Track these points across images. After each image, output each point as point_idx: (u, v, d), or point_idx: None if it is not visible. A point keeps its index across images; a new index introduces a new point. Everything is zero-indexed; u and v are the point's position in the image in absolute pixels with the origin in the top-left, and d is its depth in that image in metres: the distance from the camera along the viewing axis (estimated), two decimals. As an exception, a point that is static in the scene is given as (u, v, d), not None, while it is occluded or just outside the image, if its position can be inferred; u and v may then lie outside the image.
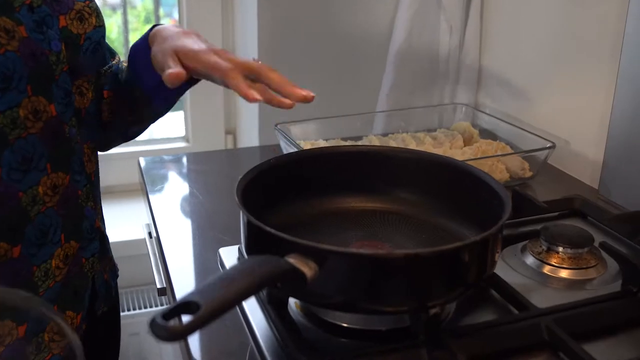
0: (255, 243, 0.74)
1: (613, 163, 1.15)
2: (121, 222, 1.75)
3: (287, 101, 0.80)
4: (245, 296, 0.56)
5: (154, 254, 1.11)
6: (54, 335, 0.88)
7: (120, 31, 2.00)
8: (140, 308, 1.86)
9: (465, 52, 1.56)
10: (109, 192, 1.83)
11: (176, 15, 1.94)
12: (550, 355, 0.74)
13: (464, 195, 0.87)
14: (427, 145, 1.28)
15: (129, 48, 0.94)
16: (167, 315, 0.51)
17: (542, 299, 0.82)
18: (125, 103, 0.99)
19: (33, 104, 0.80)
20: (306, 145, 1.23)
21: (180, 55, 0.83)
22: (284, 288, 0.68)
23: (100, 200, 1.01)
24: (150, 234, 1.16)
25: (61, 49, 0.84)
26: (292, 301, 0.80)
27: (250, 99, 0.77)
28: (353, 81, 1.66)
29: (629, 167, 1.12)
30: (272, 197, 0.86)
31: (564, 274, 0.90)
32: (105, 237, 1.01)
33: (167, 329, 0.50)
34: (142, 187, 1.25)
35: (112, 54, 1.01)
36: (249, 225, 0.72)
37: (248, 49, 1.70)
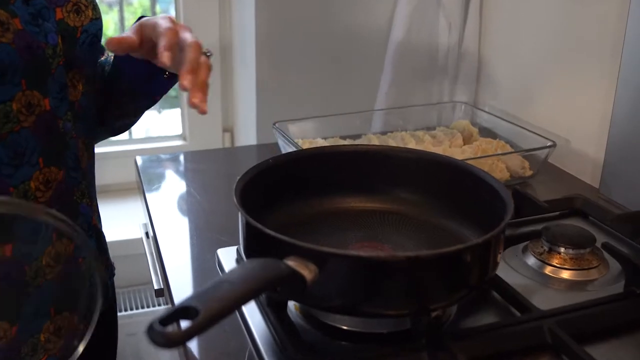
0: (254, 245, 0.73)
1: (614, 162, 1.15)
2: (118, 221, 1.74)
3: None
4: (245, 301, 0.55)
5: (151, 254, 1.09)
6: (49, 335, 0.87)
7: (117, 28, 1.98)
8: (137, 308, 1.85)
9: (464, 49, 1.56)
10: (105, 191, 1.81)
11: (173, 12, 1.93)
12: (553, 358, 0.73)
13: (464, 195, 0.87)
14: (426, 143, 1.27)
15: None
16: (165, 321, 0.50)
17: (543, 301, 0.81)
18: (110, 97, 0.98)
19: (27, 97, 0.79)
20: (304, 144, 1.22)
21: (143, 27, 0.83)
22: (284, 291, 0.67)
23: (96, 197, 1.00)
24: (147, 233, 1.15)
25: (58, 42, 0.83)
26: (292, 303, 0.79)
27: (162, 60, 0.76)
28: (351, 79, 1.65)
29: (630, 166, 1.11)
30: (270, 197, 0.85)
31: (565, 274, 0.90)
32: (102, 235, 1.00)
33: (165, 335, 0.49)
34: (139, 186, 1.23)
35: (101, 50, 1.01)
36: (248, 227, 0.71)
37: (245, 46, 1.69)
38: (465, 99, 1.56)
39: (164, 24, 0.80)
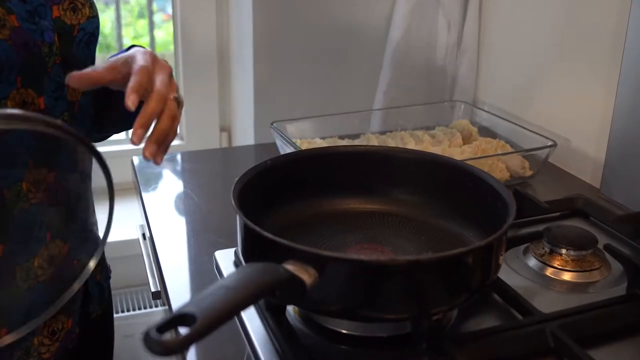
0: (253, 248, 0.72)
1: (615, 161, 1.14)
2: (115, 222, 1.72)
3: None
4: (243, 307, 0.54)
5: (148, 256, 1.08)
6: (43, 338, 0.86)
7: (114, 26, 1.97)
8: (134, 309, 1.83)
9: (463, 48, 1.55)
10: (101, 192, 1.79)
11: (170, 10, 1.92)
12: (556, 362, 0.72)
13: (465, 196, 0.86)
14: (425, 143, 1.26)
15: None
16: (162, 328, 0.49)
17: (545, 303, 0.80)
18: (99, 102, 0.97)
19: (22, 96, 0.78)
20: (303, 144, 1.21)
21: (118, 63, 0.79)
22: (282, 296, 0.66)
23: (92, 199, 0.99)
24: (144, 235, 1.14)
25: (54, 40, 0.82)
26: (291, 307, 0.78)
27: (126, 104, 0.73)
28: (350, 79, 1.64)
29: (631, 166, 1.10)
30: (269, 199, 0.84)
31: (567, 276, 0.89)
32: (97, 237, 0.99)
33: (161, 343, 0.48)
34: (136, 187, 1.22)
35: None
36: (246, 230, 0.70)
37: (243, 46, 1.68)
38: (465, 98, 1.55)
39: (139, 61, 0.77)
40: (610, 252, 0.88)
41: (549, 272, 0.89)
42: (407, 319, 0.71)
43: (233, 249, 0.91)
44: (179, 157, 1.38)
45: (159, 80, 0.76)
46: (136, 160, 1.30)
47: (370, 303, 0.65)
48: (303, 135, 1.26)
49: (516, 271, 0.90)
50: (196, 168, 1.32)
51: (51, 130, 0.64)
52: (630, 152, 1.10)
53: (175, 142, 2.00)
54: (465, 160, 1.09)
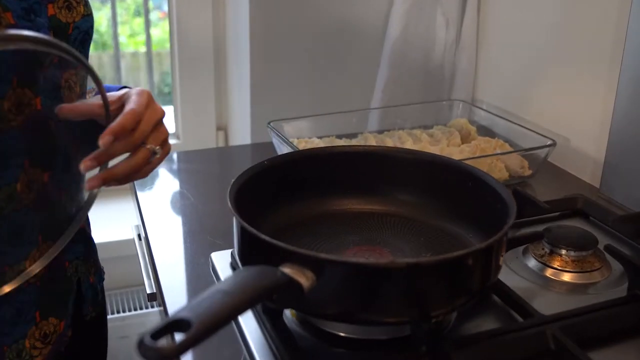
0: (250, 250, 0.71)
1: (615, 161, 1.13)
2: (110, 222, 1.72)
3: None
4: (240, 312, 0.53)
5: (144, 257, 1.07)
6: (35, 341, 0.85)
7: (110, 24, 1.96)
8: (130, 310, 1.82)
9: (462, 46, 1.54)
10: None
11: (166, 8, 1.91)
12: (557, 365, 0.72)
13: (464, 197, 0.85)
14: (424, 142, 1.25)
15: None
16: (156, 334, 0.48)
17: (545, 305, 0.79)
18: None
19: (17, 95, 0.77)
20: (300, 143, 1.20)
21: (112, 100, 0.80)
22: (280, 300, 0.65)
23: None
24: (139, 235, 1.13)
25: None
26: (288, 309, 0.77)
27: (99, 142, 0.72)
28: (347, 77, 1.63)
29: (631, 165, 1.10)
30: (266, 200, 0.83)
31: (567, 277, 0.88)
32: (90, 239, 0.98)
33: (156, 350, 0.46)
34: (131, 187, 1.21)
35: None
36: (243, 232, 0.69)
37: (239, 43, 1.67)
38: (463, 96, 1.54)
39: (131, 103, 0.77)
40: (611, 253, 0.87)
41: (548, 272, 0.89)
42: (407, 323, 0.70)
43: (229, 251, 0.90)
44: (174, 156, 1.37)
45: (142, 127, 0.76)
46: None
47: (369, 306, 0.64)
48: (300, 135, 1.25)
49: (516, 272, 0.89)
50: (192, 168, 1.31)
51: (39, 47, 0.65)
52: (630, 151, 1.09)
53: (171, 141, 1.98)
54: (464, 159, 1.08)
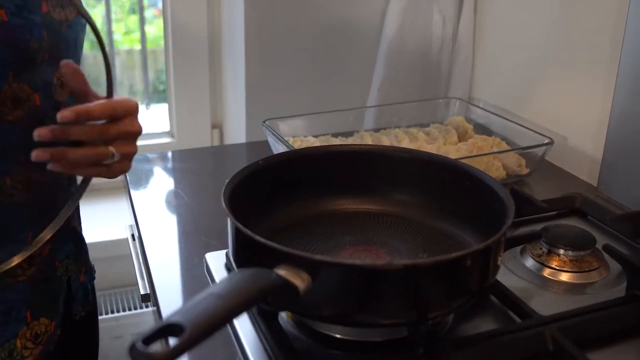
0: (244, 251, 0.70)
1: (612, 159, 1.12)
2: (104, 221, 1.71)
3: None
4: (234, 315, 0.52)
5: (137, 257, 1.06)
6: (26, 342, 0.85)
7: (104, 22, 1.95)
8: (124, 310, 1.81)
9: (458, 44, 1.53)
10: (90, 190, 1.77)
11: (160, 5, 1.90)
12: (555, 366, 0.71)
13: (461, 196, 0.84)
14: (420, 141, 1.24)
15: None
16: (148, 339, 0.47)
17: (543, 305, 0.79)
18: None
19: (14, 91, 0.76)
20: (295, 142, 1.20)
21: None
22: (275, 302, 0.64)
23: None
24: (133, 235, 1.12)
25: (43, 36, 0.79)
26: (283, 311, 0.76)
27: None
28: (343, 75, 1.62)
29: (629, 164, 1.09)
30: (261, 200, 0.82)
31: (565, 277, 0.87)
32: (82, 239, 0.97)
33: (148, 355, 0.45)
34: (125, 186, 1.20)
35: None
36: (237, 233, 0.68)
37: (235, 41, 1.65)
38: (459, 94, 1.53)
39: (114, 99, 0.76)
40: (609, 253, 0.87)
41: (546, 272, 0.88)
42: (404, 324, 0.70)
43: (224, 251, 0.89)
44: (169, 155, 1.36)
45: (111, 127, 0.74)
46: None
47: (365, 308, 0.63)
48: (295, 133, 1.24)
49: (513, 272, 0.88)
50: (187, 167, 1.30)
51: None
52: (628, 149, 1.09)
53: (166, 140, 1.99)
54: (461, 158, 1.08)
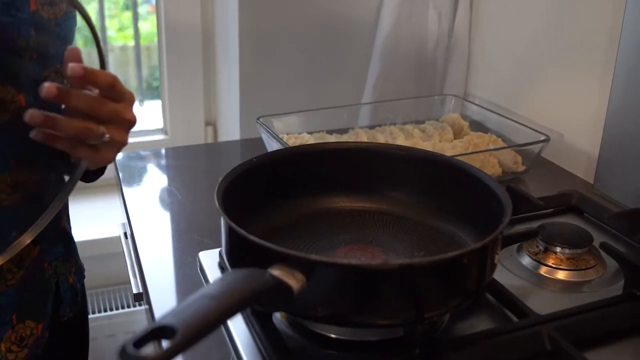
0: (238, 251, 0.69)
1: (609, 156, 1.12)
2: (97, 219, 1.69)
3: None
4: (227, 317, 0.51)
5: (130, 256, 1.05)
6: (11, 345, 0.83)
7: (97, 18, 1.93)
8: (117, 308, 1.79)
9: (454, 40, 1.52)
10: (83, 188, 1.76)
11: (154, 1, 1.88)
12: (553, 366, 0.70)
13: (458, 194, 0.83)
14: (416, 138, 1.23)
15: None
16: (139, 342, 0.46)
17: (539, 303, 0.78)
18: None
19: None
20: (290, 139, 1.18)
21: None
22: (269, 303, 0.63)
23: (67, 200, 0.95)
24: (125, 234, 1.11)
25: (31, 34, 0.78)
26: (277, 310, 0.75)
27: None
28: (338, 72, 1.61)
29: (626, 161, 1.08)
30: (255, 199, 0.81)
31: (561, 275, 0.87)
32: (70, 238, 0.95)
33: (138, 359, 0.44)
34: (117, 183, 1.19)
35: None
36: (231, 233, 0.67)
37: (228, 36, 1.64)
38: (455, 91, 1.52)
39: (119, 81, 0.74)
40: (606, 251, 0.86)
41: (543, 270, 0.87)
42: (400, 325, 0.69)
43: (218, 250, 0.88)
44: (162, 152, 1.35)
45: (107, 105, 0.73)
46: (118, 156, 1.27)
47: (361, 309, 0.62)
48: (290, 131, 1.23)
49: (509, 270, 0.87)
50: (180, 164, 1.28)
51: None
52: (625, 146, 1.08)
53: (159, 137, 1.97)
54: (457, 155, 1.07)
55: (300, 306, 0.62)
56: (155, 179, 1.23)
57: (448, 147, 1.19)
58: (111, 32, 1.99)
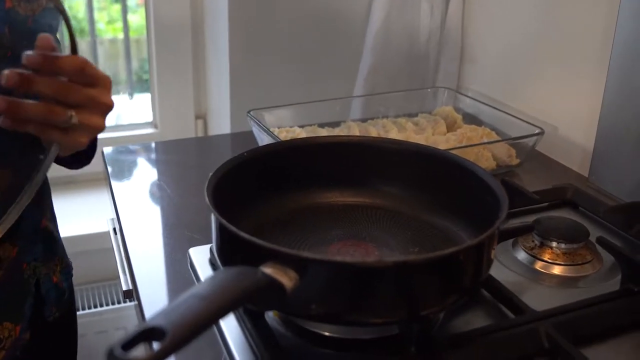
0: (229, 248, 0.68)
1: (604, 149, 1.11)
2: (86, 214, 1.67)
3: None
4: (218, 317, 0.50)
5: (119, 252, 1.03)
6: None
7: (86, 10, 1.91)
8: (107, 304, 1.77)
9: (446, 33, 1.51)
10: (72, 182, 1.76)
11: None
12: (550, 364, 0.69)
13: (453, 189, 0.82)
14: (409, 131, 1.22)
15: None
16: (127, 345, 0.44)
17: (536, 299, 0.77)
18: None
19: None
20: (281, 133, 1.17)
21: None
22: (261, 302, 0.61)
23: (50, 196, 0.93)
24: (115, 229, 1.09)
25: (4, 32, 0.76)
26: (270, 308, 0.73)
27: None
28: (329, 64, 1.60)
29: (621, 154, 1.08)
30: (246, 194, 0.79)
31: (557, 270, 0.86)
32: (53, 237, 0.93)
33: (126, 362, 0.43)
34: (106, 178, 1.17)
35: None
36: (222, 230, 0.66)
37: (219, 30, 1.62)
38: (448, 84, 1.51)
39: (90, 64, 0.72)
40: (603, 246, 0.85)
41: (539, 265, 0.86)
42: (395, 323, 0.67)
43: (208, 246, 0.86)
44: (152, 147, 1.33)
45: (75, 88, 0.70)
46: (106, 150, 1.25)
47: (355, 307, 0.61)
48: (281, 124, 1.22)
49: (505, 265, 0.86)
50: (170, 158, 1.27)
51: None
52: (620, 138, 1.07)
53: (148, 131, 1.96)
54: (451, 149, 1.06)
55: (293, 305, 0.61)
56: (145, 174, 1.21)
57: (441, 141, 1.17)
58: (100, 24, 1.97)
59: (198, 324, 0.47)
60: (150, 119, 1.97)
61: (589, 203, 1.01)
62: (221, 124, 1.73)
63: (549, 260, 0.86)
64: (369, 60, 1.50)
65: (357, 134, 1.20)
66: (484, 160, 1.12)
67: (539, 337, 0.70)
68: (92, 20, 1.91)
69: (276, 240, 0.61)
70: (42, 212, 0.88)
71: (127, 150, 1.27)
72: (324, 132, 1.22)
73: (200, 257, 0.86)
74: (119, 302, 1.78)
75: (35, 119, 0.70)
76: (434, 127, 1.25)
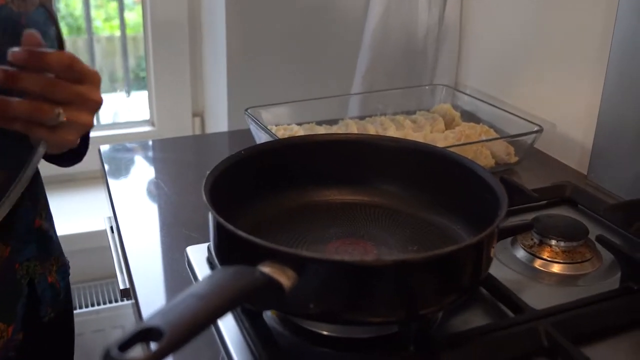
0: (227, 247, 0.67)
1: (603, 147, 1.10)
2: (83, 212, 1.67)
3: None
4: (216, 317, 0.49)
5: (116, 250, 1.03)
6: None
7: (83, 8, 1.90)
8: (105, 303, 1.77)
9: (445, 29, 1.50)
10: (69, 180, 1.75)
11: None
12: (549, 362, 0.69)
13: (451, 187, 0.82)
14: (407, 129, 1.22)
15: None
16: (124, 345, 0.44)
17: (535, 297, 0.76)
18: None
19: None
20: (278, 131, 1.16)
21: None
22: (259, 301, 0.61)
23: (44, 196, 0.92)
24: (112, 228, 1.08)
25: None
26: (268, 307, 0.73)
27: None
28: (327, 62, 1.59)
29: (619, 151, 1.07)
30: (243, 192, 0.79)
31: (556, 268, 0.85)
32: (48, 237, 0.92)
33: (123, 363, 0.42)
34: (103, 176, 1.16)
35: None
36: (219, 228, 0.65)
37: (216, 27, 1.62)
38: (446, 81, 1.51)
39: (78, 59, 0.71)
40: (603, 244, 0.84)
41: (538, 264, 0.86)
42: (394, 322, 0.67)
43: (206, 245, 0.86)
44: (149, 144, 1.33)
45: (62, 85, 0.69)
46: (103, 148, 1.24)
47: (354, 306, 0.61)
48: (279, 122, 1.21)
49: (504, 263, 0.86)
50: (167, 156, 1.26)
51: None
52: (619, 136, 1.07)
53: (145, 128, 1.95)
54: (449, 146, 1.05)
55: (291, 304, 0.61)
56: (142, 172, 1.21)
57: (440, 138, 1.17)
58: (97, 22, 1.96)
59: (196, 324, 0.47)
60: (147, 116, 1.97)
61: (588, 201, 1.00)
62: (218, 122, 1.72)
63: (548, 259, 0.86)
64: (367, 57, 1.50)
65: (355, 131, 1.19)
66: (483, 158, 1.12)
67: (538, 335, 0.70)
68: (89, 18, 1.90)
69: (274, 238, 0.60)
70: (35, 212, 0.88)
71: (124, 148, 1.27)
72: (321, 129, 1.22)
73: (198, 255, 0.85)
74: (116, 301, 1.78)
75: (21, 116, 0.68)
76: (432, 125, 1.25)
